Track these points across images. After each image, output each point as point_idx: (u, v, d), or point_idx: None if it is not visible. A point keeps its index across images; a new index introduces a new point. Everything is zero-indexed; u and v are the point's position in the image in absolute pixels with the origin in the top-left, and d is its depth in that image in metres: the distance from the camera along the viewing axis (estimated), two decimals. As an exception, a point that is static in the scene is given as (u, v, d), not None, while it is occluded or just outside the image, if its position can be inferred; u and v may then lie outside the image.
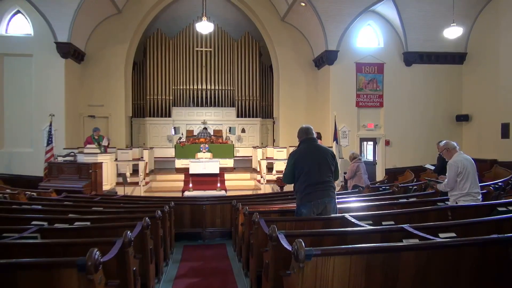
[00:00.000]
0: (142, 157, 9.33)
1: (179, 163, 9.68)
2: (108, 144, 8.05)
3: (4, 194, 4.42)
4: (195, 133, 10.97)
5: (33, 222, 2.82)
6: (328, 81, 9.24)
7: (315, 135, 3.06)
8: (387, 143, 9.08)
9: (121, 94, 10.61)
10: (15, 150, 8.52)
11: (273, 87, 12.20)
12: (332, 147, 8.46)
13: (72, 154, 7.00)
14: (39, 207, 3.69)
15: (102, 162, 7.04)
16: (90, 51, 10.06)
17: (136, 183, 8.19)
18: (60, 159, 6.98)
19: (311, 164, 2.85)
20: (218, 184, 7.63)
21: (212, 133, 10.75)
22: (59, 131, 8.53)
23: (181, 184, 8.81)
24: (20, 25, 8.71)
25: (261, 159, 8.97)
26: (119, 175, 8.20)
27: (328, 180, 2.88)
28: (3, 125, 8.66)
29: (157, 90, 11.88)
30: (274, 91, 12.08)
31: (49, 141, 7.80)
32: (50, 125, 8.08)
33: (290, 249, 1.77)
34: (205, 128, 10.84)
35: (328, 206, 2.86)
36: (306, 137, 3.00)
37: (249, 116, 12.17)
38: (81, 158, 6.98)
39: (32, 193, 4.66)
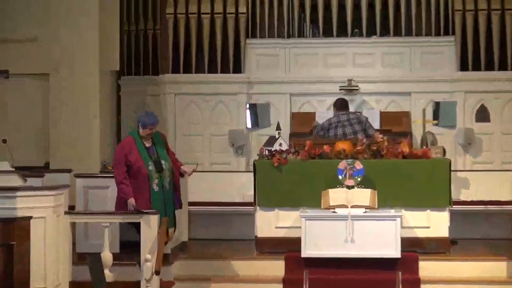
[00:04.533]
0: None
1: (268, 221, 9.63)
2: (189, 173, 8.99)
3: None
4: (318, 121, 10.92)
5: None
6: None
7: None
8: None
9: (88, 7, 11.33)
10: None
11: None
12: None
13: None
14: None
15: (30, 218, 7.23)
16: None
17: None
18: None
19: None
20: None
21: (377, 124, 10.72)
22: None
23: (275, 292, 8.76)
24: None
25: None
26: (82, 257, 8.45)
27: None
28: None
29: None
30: None
31: None
32: None
33: None
34: (346, 110, 10.61)
35: None
36: None
37: (503, 68, 12.08)
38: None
39: None
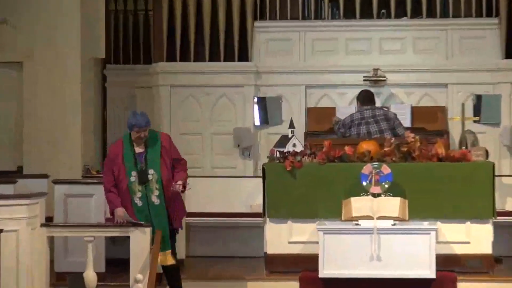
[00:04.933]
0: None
1: (280, 235, 9.66)
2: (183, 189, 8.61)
3: None
4: (339, 116, 11.02)
5: None
6: None
7: None
8: None
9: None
10: None
11: None
12: None
13: None
14: None
15: (0, 231, 7.17)
16: None
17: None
18: None
19: None
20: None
21: (408, 121, 10.78)
22: None
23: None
24: None
25: None
26: (61, 277, 8.54)
27: None
28: None
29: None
30: None
31: None
32: None
33: None
34: (372, 104, 10.73)
35: None
36: None
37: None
38: None
39: None
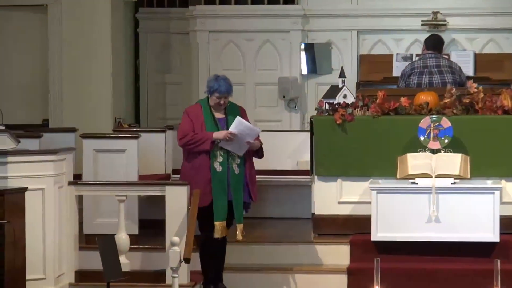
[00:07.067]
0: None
1: (329, 195, 9.68)
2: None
3: None
4: (398, 67, 10.98)
5: None
6: None
7: None
8: None
9: None
10: None
11: None
12: None
13: None
14: None
15: (24, 190, 7.24)
16: None
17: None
18: None
19: None
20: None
21: (471, 70, 10.67)
22: None
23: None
24: None
25: None
26: (91, 240, 8.55)
27: None
28: None
29: None
30: None
31: None
32: None
33: None
34: (438, 51, 10.62)
35: None
36: None
37: None
38: None
39: None
